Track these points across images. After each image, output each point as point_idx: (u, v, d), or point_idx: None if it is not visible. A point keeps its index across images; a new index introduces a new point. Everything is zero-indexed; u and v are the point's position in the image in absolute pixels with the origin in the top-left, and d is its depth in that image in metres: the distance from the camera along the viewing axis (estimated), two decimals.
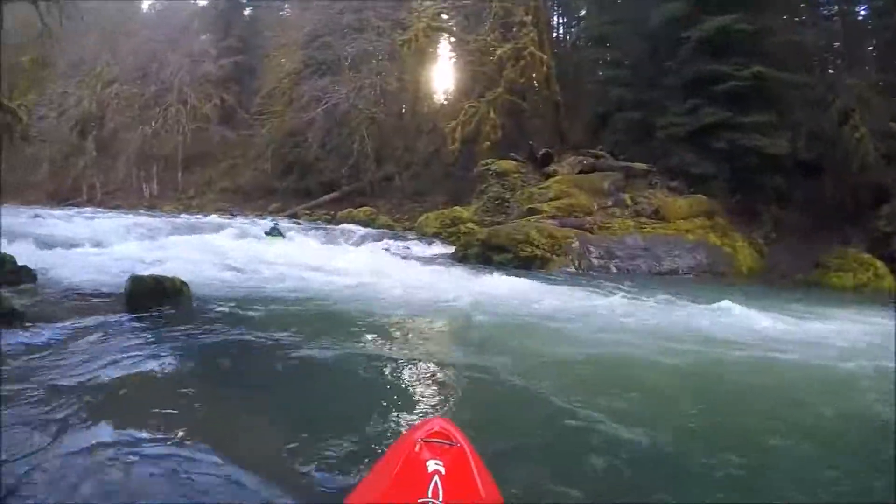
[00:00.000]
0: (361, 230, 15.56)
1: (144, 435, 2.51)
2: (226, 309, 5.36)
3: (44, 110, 25.33)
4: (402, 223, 17.98)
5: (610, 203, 13.61)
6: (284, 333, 4.65)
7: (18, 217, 11.99)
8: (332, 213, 20.21)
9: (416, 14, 19.10)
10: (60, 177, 27.36)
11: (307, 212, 21.06)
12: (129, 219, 14.21)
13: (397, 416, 3.07)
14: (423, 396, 3.44)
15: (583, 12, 24.96)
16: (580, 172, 14.87)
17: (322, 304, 6.05)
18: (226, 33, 27.93)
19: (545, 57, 16.98)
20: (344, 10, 21.73)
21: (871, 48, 16.89)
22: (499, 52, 16.94)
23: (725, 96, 14.14)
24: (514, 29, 17.58)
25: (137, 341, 4.14)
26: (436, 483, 1.46)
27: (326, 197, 21.79)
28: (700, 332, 5.41)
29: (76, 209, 19.29)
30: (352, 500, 1.72)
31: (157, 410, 2.89)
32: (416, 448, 1.66)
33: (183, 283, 5.56)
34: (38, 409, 2.77)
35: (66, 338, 4.05)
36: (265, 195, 24.11)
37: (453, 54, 21.86)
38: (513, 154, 16.22)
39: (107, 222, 12.89)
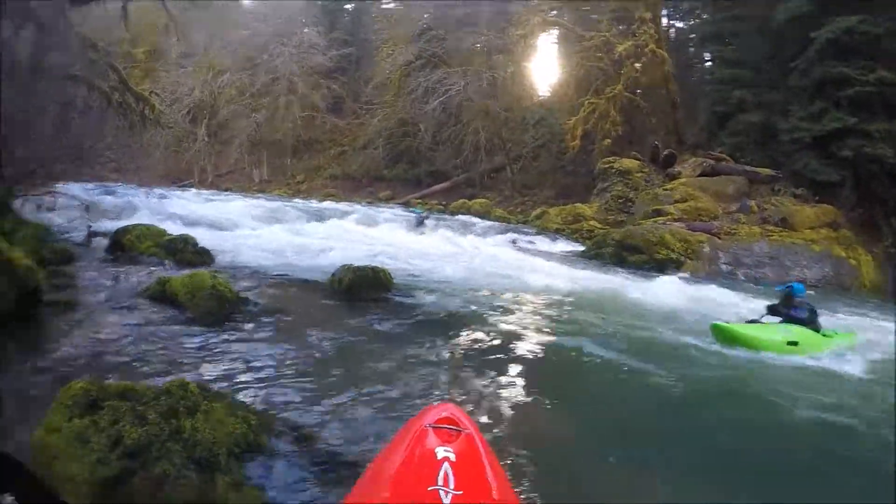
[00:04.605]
0: (480, 222, 16.10)
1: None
2: (423, 299, 6.06)
3: (157, 98, 27.08)
4: (516, 216, 18.52)
5: (734, 208, 13.83)
6: (491, 313, 5.77)
7: (147, 197, 12.27)
8: (445, 203, 21.01)
9: (533, 8, 19.60)
10: (172, 160, 28.82)
11: (418, 200, 21.91)
12: (248, 202, 14.84)
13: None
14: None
15: (685, 5, 24.63)
16: (701, 175, 15.14)
17: (504, 298, 6.78)
18: (332, 26, 29.11)
19: (665, 55, 17.16)
20: (455, 5, 22.37)
21: None
22: (619, 48, 17.12)
23: (849, 101, 13.86)
24: (634, 25, 17.78)
25: (385, 325, 4.97)
26: (446, 471, 1.44)
27: (438, 186, 22.69)
28: None
29: (193, 190, 20.23)
30: (360, 487, 1.70)
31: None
32: (425, 434, 1.66)
33: (389, 274, 6.22)
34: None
35: (314, 323, 4.78)
36: (373, 182, 25.30)
37: (563, 49, 22.23)
38: (635, 153, 16.56)
39: (230, 205, 13.45)
